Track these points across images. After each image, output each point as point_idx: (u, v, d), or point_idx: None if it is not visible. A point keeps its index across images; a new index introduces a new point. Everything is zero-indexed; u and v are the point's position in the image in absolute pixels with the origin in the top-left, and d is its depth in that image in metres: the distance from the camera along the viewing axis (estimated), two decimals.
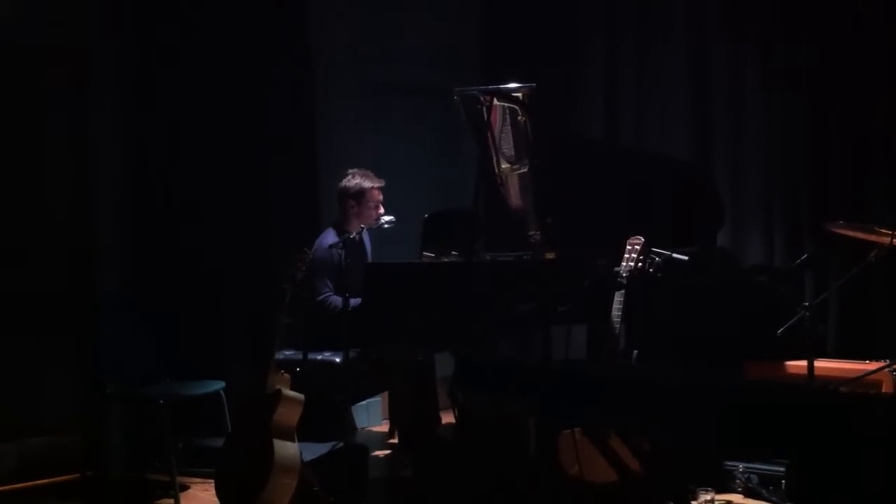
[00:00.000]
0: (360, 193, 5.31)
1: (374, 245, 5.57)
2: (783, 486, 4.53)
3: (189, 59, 5.66)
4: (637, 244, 4.55)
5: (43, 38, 5.38)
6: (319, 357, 5.07)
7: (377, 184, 5.34)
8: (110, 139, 5.56)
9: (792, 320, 4.34)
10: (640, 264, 4.51)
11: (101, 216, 5.55)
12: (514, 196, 5.28)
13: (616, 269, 4.55)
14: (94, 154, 5.54)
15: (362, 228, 5.23)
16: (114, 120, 5.57)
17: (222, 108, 5.72)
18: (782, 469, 4.53)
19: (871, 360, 4.61)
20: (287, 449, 4.41)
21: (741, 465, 4.65)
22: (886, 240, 4.14)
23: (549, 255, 5.09)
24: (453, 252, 5.22)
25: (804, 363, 4.38)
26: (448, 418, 5.47)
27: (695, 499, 4.37)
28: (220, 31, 5.74)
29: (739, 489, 4.66)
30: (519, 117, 5.03)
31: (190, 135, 5.68)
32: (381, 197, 5.35)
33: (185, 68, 5.66)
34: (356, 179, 5.33)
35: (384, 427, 6.16)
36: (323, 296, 5.21)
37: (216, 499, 4.52)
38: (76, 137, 5.52)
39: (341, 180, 5.37)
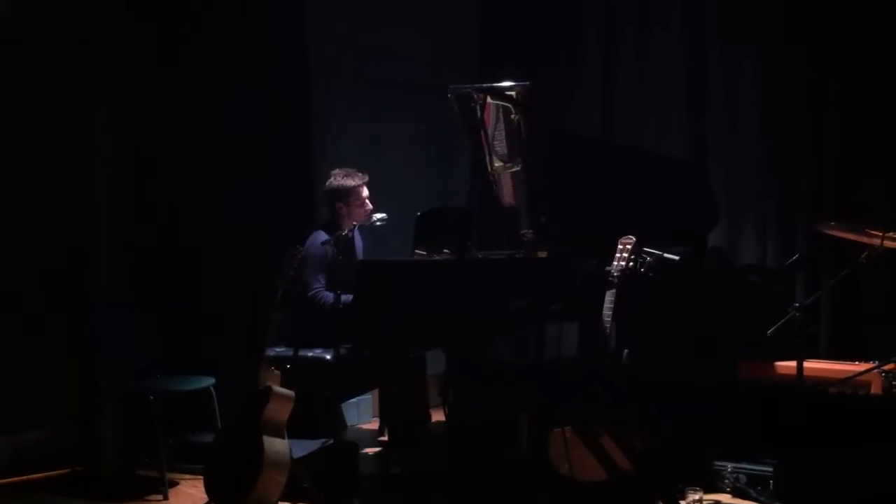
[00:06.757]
0: (346, 193, 5.31)
1: (366, 242, 5.58)
2: (771, 486, 4.54)
3: (187, 58, 5.67)
4: (629, 243, 4.56)
5: (42, 36, 5.37)
6: (310, 354, 5.07)
7: (360, 181, 5.33)
8: (108, 138, 5.55)
9: (783, 320, 4.35)
10: (631, 263, 4.52)
11: (96, 214, 5.54)
12: (507, 194, 5.29)
13: (608, 268, 4.56)
14: (92, 152, 5.53)
15: (354, 226, 5.23)
16: (112, 118, 5.55)
17: (219, 106, 5.73)
18: (771, 469, 4.55)
19: (861, 360, 4.63)
20: (277, 445, 4.42)
21: (730, 465, 4.67)
22: (878, 241, 4.15)
23: (542, 254, 5.10)
24: (445, 250, 5.22)
25: (794, 363, 4.39)
26: (439, 416, 5.48)
27: (683, 498, 4.38)
28: (217, 28, 5.74)
29: (728, 489, 4.67)
30: (512, 116, 5.04)
31: (187, 132, 5.67)
32: (366, 193, 5.35)
33: (182, 66, 5.66)
34: (339, 180, 5.32)
35: (374, 424, 6.16)
36: (314, 290, 5.21)
37: (205, 495, 4.52)
38: (74, 136, 5.51)
39: (326, 181, 5.37)
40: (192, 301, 5.65)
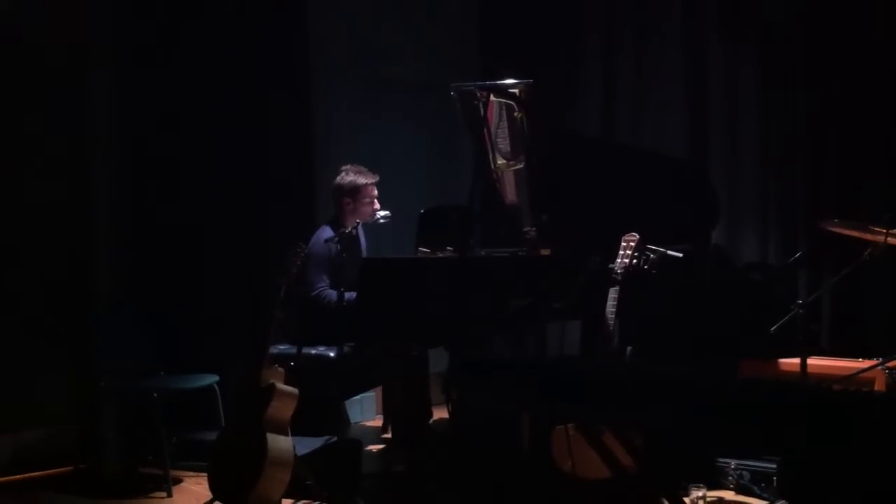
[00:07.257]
0: (355, 190, 5.33)
1: (369, 240, 5.58)
2: (775, 483, 4.55)
3: (188, 57, 5.67)
4: (632, 241, 4.56)
5: (42, 36, 5.37)
6: (314, 351, 5.07)
7: (371, 179, 5.36)
8: (108, 138, 5.55)
9: (785, 318, 4.35)
10: (634, 261, 4.52)
11: (98, 213, 5.53)
12: (510, 192, 5.29)
13: (611, 265, 4.57)
14: (92, 152, 5.52)
15: (358, 223, 5.24)
16: (112, 118, 5.54)
17: (220, 105, 5.72)
18: (774, 466, 4.55)
19: (864, 358, 4.63)
20: (280, 443, 4.41)
21: (733, 462, 4.67)
22: (881, 238, 4.15)
23: (544, 252, 5.10)
24: (448, 248, 5.23)
25: (798, 361, 4.39)
26: (442, 413, 5.48)
27: (687, 495, 4.38)
28: (217, 28, 5.74)
29: (731, 486, 4.67)
30: (515, 113, 5.05)
31: (186, 132, 5.67)
32: (376, 192, 5.37)
33: (183, 65, 5.66)
34: (350, 176, 5.34)
35: (378, 422, 6.17)
36: (318, 289, 5.22)
37: (209, 492, 4.51)
38: (74, 136, 5.50)
39: (336, 177, 5.38)
40: (192, 300, 5.64)
